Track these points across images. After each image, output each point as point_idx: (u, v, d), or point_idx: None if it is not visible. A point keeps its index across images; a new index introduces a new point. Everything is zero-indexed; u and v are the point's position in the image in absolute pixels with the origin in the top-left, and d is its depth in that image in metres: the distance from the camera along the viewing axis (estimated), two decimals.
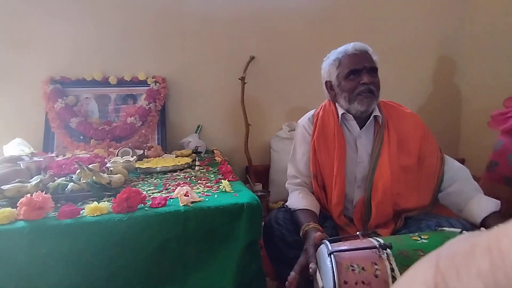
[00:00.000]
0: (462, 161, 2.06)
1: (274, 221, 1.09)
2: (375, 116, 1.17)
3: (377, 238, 0.76)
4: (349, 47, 1.19)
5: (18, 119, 1.83)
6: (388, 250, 0.70)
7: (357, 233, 0.84)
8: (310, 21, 2.14)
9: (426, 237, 0.74)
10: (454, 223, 0.94)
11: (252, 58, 2.08)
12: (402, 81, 2.23)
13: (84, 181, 1.02)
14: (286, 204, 1.17)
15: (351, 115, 1.17)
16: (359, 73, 1.13)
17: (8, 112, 1.83)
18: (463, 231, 0.74)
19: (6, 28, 1.80)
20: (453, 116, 2.40)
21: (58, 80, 1.85)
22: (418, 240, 0.74)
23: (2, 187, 0.95)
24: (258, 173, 2.14)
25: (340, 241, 0.82)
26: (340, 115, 1.18)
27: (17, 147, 1.62)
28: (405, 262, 0.68)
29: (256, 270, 0.91)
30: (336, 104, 1.22)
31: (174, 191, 1.04)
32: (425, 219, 1.03)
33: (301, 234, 0.98)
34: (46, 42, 1.85)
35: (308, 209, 1.08)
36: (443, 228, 0.82)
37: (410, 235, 0.78)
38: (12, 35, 1.81)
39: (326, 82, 1.24)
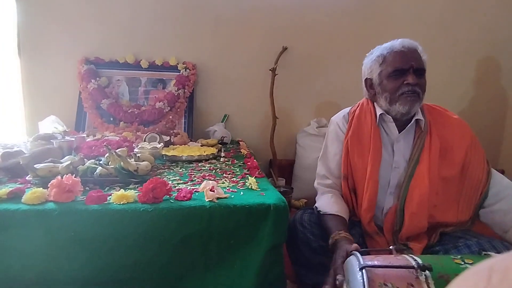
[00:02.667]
0: (501, 172, 1.91)
1: (298, 223, 1.05)
2: (417, 120, 1.08)
3: (414, 257, 0.70)
4: (396, 43, 1.09)
5: (54, 97, 1.89)
6: (428, 272, 0.64)
7: (390, 247, 0.78)
8: (347, 14, 2.03)
9: (470, 261, 0.67)
10: (498, 246, 0.86)
11: (285, 49, 2.01)
12: (443, 81, 2.08)
13: (112, 166, 1.02)
14: (315, 206, 1.12)
15: (390, 117, 1.09)
16: (405, 73, 1.04)
17: (45, 89, 1.88)
18: None
19: (45, 8, 1.84)
20: (496, 123, 2.22)
21: (92, 61, 1.88)
22: (461, 264, 0.67)
23: (35, 165, 0.98)
24: (281, 167, 2.10)
25: (370, 253, 0.77)
26: (378, 115, 1.10)
27: (51, 125, 1.67)
28: (445, 287, 0.62)
29: (278, 274, 0.88)
30: (375, 103, 1.14)
31: (199, 184, 1.03)
32: (464, 238, 0.95)
33: (330, 242, 0.93)
34: (82, 22, 1.87)
35: (339, 216, 1.02)
36: (488, 253, 0.75)
37: (452, 257, 0.71)
38: (50, 15, 1.85)
39: (366, 79, 1.16)
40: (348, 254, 0.79)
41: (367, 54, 1.18)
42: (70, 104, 1.88)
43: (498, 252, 0.82)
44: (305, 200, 1.80)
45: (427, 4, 2.05)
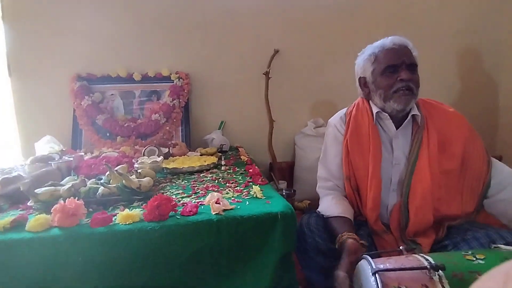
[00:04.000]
0: (499, 158, 1.93)
1: (306, 227, 1.05)
2: (413, 116, 1.09)
3: (425, 256, 0.70)
4: (387, 41, 1.10)
5: (48, 116, 1.87)
6: (441, 272, 0.64)
7: (400, 248, 0.78)
8: (336, 12, 2.03)
9: (482, 257, 0.68)
10: (507, 236, 0.86)
11: (277, 51, 2.01)
12: (429, 75, 2.08)
13: (114, 184, 1.01)
14: (318, 210, 1.12)
15: (386, 114, 1.10)
16: (397, 69, 1.05)
17: (39, 109, 1.86)
18: None
19: (33, 26, 1.82)
20: (489, 110, 2.24)
21: (84, 77, 1.86)
22: (473, 260, 0.67)
23: (36, 190, 0.96)
24: (281, 170, 2.09)
25: (380, 256, 0.77)
26: (374, 113, 1.11)
27: (47, 145, 1.65)
28: (460, 286, 0.62)
29: (290, 282, 0.87)
30: (370, 102, 1.15)
31: (203, 196, 1.02)
32: (471, 230, 0.95)
33: (336, 245, 0.93)
34: (72, 39, 1.85)
35: (343, 217, 1.02)
36: (498, 246, 0.75)
37: (463, 253, 0.71)
38: (38, 33, 1.83)
39: (360, 78, 1.17)
40: (358, 258, 0.79)
41: (358, 54, 1.19)
42: (65, 123, 1.86)
43: (507, 243, 0.83)
44: (309, 202, 1.80)
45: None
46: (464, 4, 2.11)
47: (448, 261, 0.67)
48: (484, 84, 2.22)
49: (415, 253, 0.77)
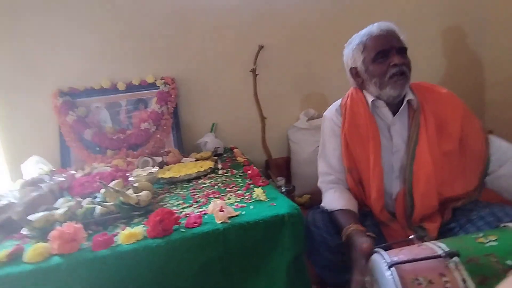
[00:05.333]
0: (490, 133, 1.96)
1: (312, 224, 1.04)
2: (409, 100, 1.08)
3: (438, 244, 0.69)
4: (373, 28, 1.09)
5: (33, 136, 1.79)
6: (456, 258, 0.63)
7: (410, 237, 0.78)
8: (319, 3, 2.01)
9: (493, 238, 0.67)
10: (511, 212, 0.87)
11: (261, 47, 1.98)
12: (416, 57, 2.08)
13: (112, 202, 0.97)
14: (321, 205, 1.11)
15: (382, 102, 1.09)
16: (388, 55, 1.04)
17: (22, 129, 1.79)
18: None
19: (10, 46, 1.74)
20: (476, 86, 2.27)
21: (66, 92, 1.80)
22: (485, 242, 0.67)
23: (29, 217, 0.92)
24: (278, 166, 2.08)
25: (391, 247, 0.76)
26: (370, 102, 1.10)
27: (35, 166, 1.59)
28: (476, 270, 0.62)
29: (304, 282, 0.86)
30: (364, 91, 1.14)
31: (205, 204, 1.00)
32: (476, 210, 0.96)
33: (343, 238, 0.92)
34: (49, 54, 1.78)
35: (347, 209, 1.01)
36: (507, 224, 0.75)
37: (473, 236, 0.71)
38: (14, 51, 1.75)
39: (351, 69, 1.15)
40: (370, 251, 0.78)
41: (346, 44, 1.18)
42: (51, 141, 1.79)
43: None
44: (309, 196, 1.79)
45: None
46: None
47: (461, 247, 0.66)
48: (469, 61, 2.24)
49: (425, 241, 0.76)
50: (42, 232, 0.91)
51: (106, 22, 1.81)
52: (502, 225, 0.77)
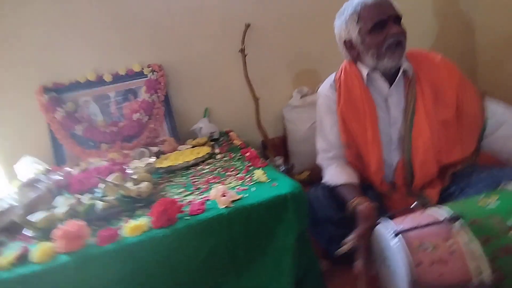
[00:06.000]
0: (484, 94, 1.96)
1: (315, 200, 1.05)
2: (404, 70, 1.07)
3: (440, 209, 0.70)
4: None
5: (23, 136, 1.75)
6: (460, 221, 0.64)
7: (413, 205, 0.79)
8: None
9: (494, 198, 0.69)
10: (510, 173, 0.88)
11: (248, 25, 1.92)
12: (406, 22, 2.05)
13: (113, 197, 0.96)
14: (323, 181, 1.11)
15: (378, 74, 1.07)
16: (385, 24, 1.00)
17: (11, 130, 1.74)
18: None
19: None
20: (467, 51, 2.25)
21: (51, 88, 1.74)
22: (487, 204, 0.68)
23: (31, 219, 0.91)
24: (275, 146, 2.07)
25: (394, 217, 0.77)
26: (365, 76, 1.08)
27: (30, 166, 1.57)
28: (480, 231, 0.63)
29: (310, 258, 0.88)
30: (358, 64, 1.11)
31: (206, 190, 0.99)
32: (474, 173, 0.97)
33: (349, 211, 0.93)
34: (29, 50, 1.71)
35: (350, 183, 1.02)
36: (507, 185, 0.76)
37: (475, 199, 0.72)
38: None
39: (344, 41, 1.11)
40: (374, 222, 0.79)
41: (337, 15, 1.13)
42: (42, 139, 1.76)
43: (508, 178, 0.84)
44: (308, 172, 1.80)
45: None
46: None
47: (463, 210, 0.68)
48: (461, 24, 2.21)
49: (427, 208, 0.77)
50: (45, 232, 0.90)
51: (86, 12, 1.73)
52: (501, 185, 0.78)
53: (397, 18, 1.01)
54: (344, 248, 0.82)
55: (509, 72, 2.04)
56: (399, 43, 1.00)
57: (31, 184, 1.23)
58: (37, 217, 0.92)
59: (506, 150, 1.01)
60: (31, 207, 1.01)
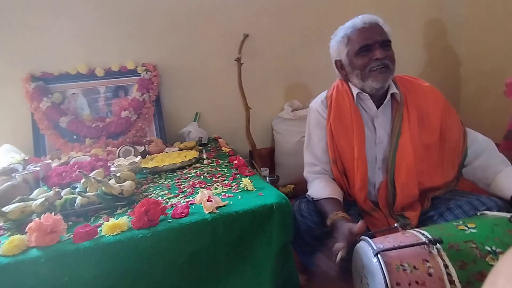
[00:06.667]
0: None
1: (298, 214, 1.05)
2: (392, 94, 1.11)
3: (421, 231, 0.72)
4: (357, 21, 1.10)
5: (2, 124, 1.69)
6: (439, 245, 0.66)
7: (395, 225, 0.80)
8: None
9: (473, 225, 0.71)
10: (486, 202, 0.92)
11: (246, 36, 1.95)
12: (397, 49, 2.14)
13: (93, 193, 0.93)
14: (307, 194, 1.12)
15: (366, 94, 1.10)
16: (371, 48, 1.05)
17: None
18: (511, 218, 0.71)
19: None
20: (452, 81, 2.36)
21: (39, 77, 1.70)
22: (466, 229, 0.70)
23: (3, 209, 0.86)
24: (262, 156, 2.08)
25: (375, 236, 0.78)
26: (355, 95, 1.11)
27: (6, 155, 1.50)
28: (457, 256, 0.65)
29: (290, 270, 0.87)
30: (349, 83, 1.15)
31: (191, 194, 0.98)
32: (454, 199, 1.00)
33: (328, 223, 0.94)
34: (20, 35, 1.66)
35: (333, 198, 1.03)
36: (485, 212, 0.79)
37: (454, 223, 0.74)
38: None
39: (336, 61, 1.16)
40: (355, 236, 0.80)
41: (332, 36, 1.18)
42: (23, 128, 1.70)
43: (488, 208, 0.88)
44: (293, 186, 1.81)
45: None
46: None
47: (443, 234, 0.69)
48: (447, 55, 2.32)
49: (408, 229, 0.79)
50: (18, 225, 0.87)
51: (83, 2, 1.71)
52: (479, 213, 0.81)
53: (385, 42, 1.05)
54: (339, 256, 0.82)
55: (491, 105, 2.14)
56: (385, 66, 1.04)
57: (6, 173, 1.18)
58: (9, 207, 0.87)
59: (484, 180, 1.05)
60: (5, 197, 0.97)
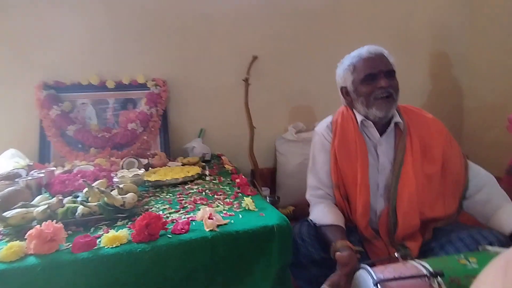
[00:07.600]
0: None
1: (298, 237, 1.04)
2: (396, 123, 1.13)
3: (422, 263, 0.71)
4: (363, 50, 1.13)
5: (10, 128, 1.72)
6: (439, 279, 0.65)
7: (396, 254, 0.79)
8: (314, 19, 2.07)
9: (474, 260, 0.70)
10: (488, 236, 0.91)
11: (255, 58, 2.00)
12: (402, 79, 2.18)
13: (95, 203, 0.93)
14: (310, 218, 1.11)
15: (370, 122, 1.12)
16: (376, 77, 1.08)
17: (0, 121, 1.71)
18: None
19: None
20: (455, 113, 2.39)
21: (52, 85, 1.74)
22: (467, 264, 0.69)
23: (4, 214, 0.87)
24: (263, 176, 2.08)
25: (375, 264, 0.78)
26: (359, 121, 1.13)
27: (11, 159, 1.51)
28: None
29: None
30: (354, 110, 1.17)
31: (192, 210, 0.98)
32: (455, 231, 0.99)
33: (331, 254, 0.93)
34: (38, 44, 1.72)
35: (335, 225, 1.03)
36: (487, 247, 0.79)
37: (456, 257, 0.73)
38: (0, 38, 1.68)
39: (341, 88, 1.19)
40: (355, 268, 0.79)
41: (338, 64, 1.22)
42: (30, 134, 1.72)
43: (490, 243, 0.87)
44: (293, 208, 1.80)
45: (382, 7, 2.16)
46: (438, 13, 2.24)
47: (444, 267, 0.69)
48: (451, 87, 2.36)
49: (408, 260, 0.78)
50: (18, 231, 0.86)
51: (99, 16, 1.79)
52: (481, 248, 0.80)
53: (389, 72, 1.08)
54: None
55: (493, 139, 2.16)
56: (389, 96, 1.06)
57: (10, 177, 1.19)
58: (10, 212, 0.88)
59: (484, 214, 1.04)
60: (7, 202, 0.97)
